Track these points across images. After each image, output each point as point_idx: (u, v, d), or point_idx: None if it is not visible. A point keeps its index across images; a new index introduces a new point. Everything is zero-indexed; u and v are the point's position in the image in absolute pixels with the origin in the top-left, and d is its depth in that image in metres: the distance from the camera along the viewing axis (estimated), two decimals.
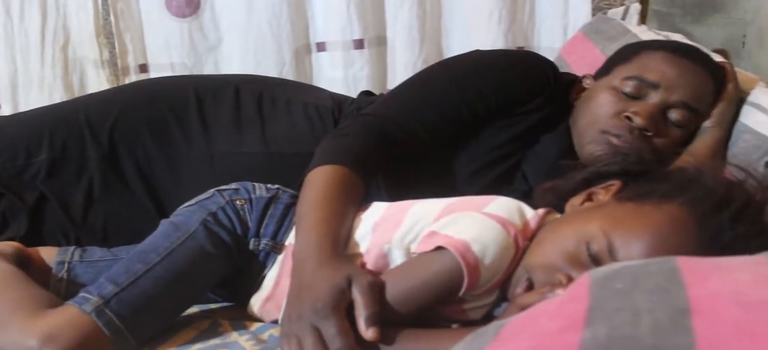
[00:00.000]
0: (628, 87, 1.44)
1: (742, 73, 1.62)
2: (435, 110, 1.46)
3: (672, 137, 1.43)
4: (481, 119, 1.49)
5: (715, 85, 1.47)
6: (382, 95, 1.73)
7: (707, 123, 1.46)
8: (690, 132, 1.46)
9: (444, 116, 1.46)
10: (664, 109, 1.42)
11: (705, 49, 1.66)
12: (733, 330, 0.61)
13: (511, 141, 1.50)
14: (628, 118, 1.41)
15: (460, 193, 1.32)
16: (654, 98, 1.42)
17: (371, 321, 1.02)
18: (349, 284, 1.06)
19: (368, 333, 1.02)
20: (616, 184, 1.13)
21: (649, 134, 1.40)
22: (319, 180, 1.26)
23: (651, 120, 1.40)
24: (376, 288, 1.06)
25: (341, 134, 1.40)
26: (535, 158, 1.50)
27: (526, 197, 1.34)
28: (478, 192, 1.41)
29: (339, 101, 1.68)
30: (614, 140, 1.40)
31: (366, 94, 1.74)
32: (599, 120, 1.44)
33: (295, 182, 1.31)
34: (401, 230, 1.16)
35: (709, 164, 1.18)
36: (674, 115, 1.42)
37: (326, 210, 1.21)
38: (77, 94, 2.52)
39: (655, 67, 1.44)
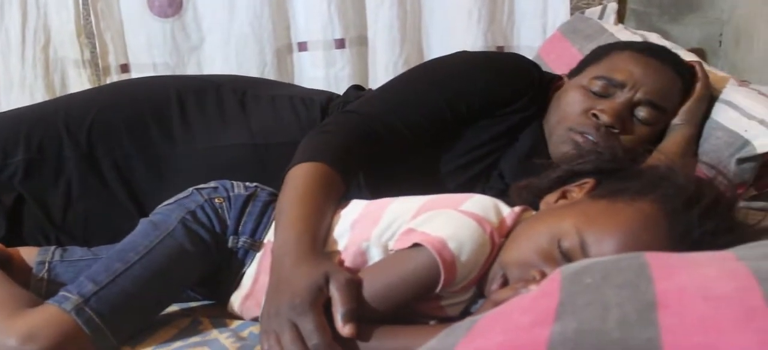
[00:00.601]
0: (596, 86, 1.47)
1: (713, 73, 1.65)
2: (418, 110, 1.47)
3: (639, 134, 1.45)
4: (464, 120, 1.50)
5: (682, 83, 1.50)
6: (370, 90, 1.74)
7: (677, 120, 1.49)
8: (658, 130, 1.49)
9: (427, 116, 1.47)
10: (630, 107, 1.45)
11: (675, 49, 1.70)
12: (698, 323, 0.62)
13: (492, 140, 1.51)
14: (595, 116, 1.44)
15: (438, 190, 1.33)
16: (620, 96, 1.45)
17: (348, 318, 1.03)
18: (327, 281, 1.06)
19: (345, 329, 1.03)
20: (589, 182, 1.15)
21: (616, 131, 1.43)
22: (300, 177, 1.27)
23: (617, 118, 1.43)
24: (354, 285, 1.07)
25: (323, 131, 1.40)
26: (512, 156, 1.51)
27: (503, 194, 1.36)
28: (456, 189, 1.43)
29: (327, 95, 1.68)
30: (580, 138, 1.43)
31: (356, 88, 1.75)
32: (568, 118, 1.47)
33: (281, 172, 1.31)
34: (379, 228, 1.17)
35: (680, 161, 1.20)
36: (641, 113, 1.45)
37: (306, 207, 1.21)
38: (59, 94, 2.52)
39: (622, 67, 1.48)
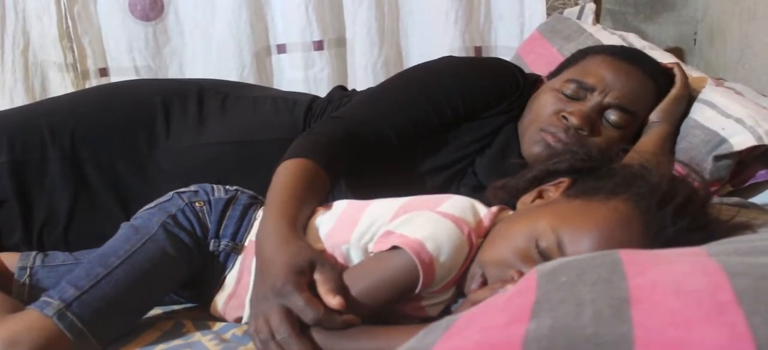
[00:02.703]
0: (568, 89, 1.50)
1: (691, 74, 1.66)
2: (406, 116, 1.49)
3: (608, 137, 1.47)
4: (449, 124, 1.52)
5: (656, 87, 1.52)
6: (355, 90, 1.76)
7: (653, 118, 1.51)
8: (630, 133, 1.51)
9: (414, 121, 1.50)
10: (600, 110, 1.48)
11: (653, 50, 1.71)
12: (670, 318, 0.64)
13: (474, 142, 1.53)
14: (565, 117, 1.46)
15: (417, 188, 1.36)
16: (591, 100, 1.48)
17: (336, 291, 1.05)
18: (311, 266, 1.09)
19: (334, 300, 1.04)
20: (565, 181, 1.16)
21: (584, 133, 1.45)
22: (285, 172, 1.29)
23: (585, 120, 1.45)
24: (337, 270, 1.09)
25: (312, 133, 1.43)
26: (486, 155, 1.54)
27: (475, 191, 1.41)
28: (434, 187, 1.47)
29: (311, 97, 1.71)
30: (550, 138, 1.45)
31: (340, 88, 1.77)
32: (539, 119, 1.49)
33: (263, 168, 1.33)
34: (358, 231, 1.18)
35: (655, 160, 1.22)
36: (611, 116, 1.48)
37: (287, 197, 1.24)
38: (39, 98, 2.51)
39: (594, 71, 1.50)
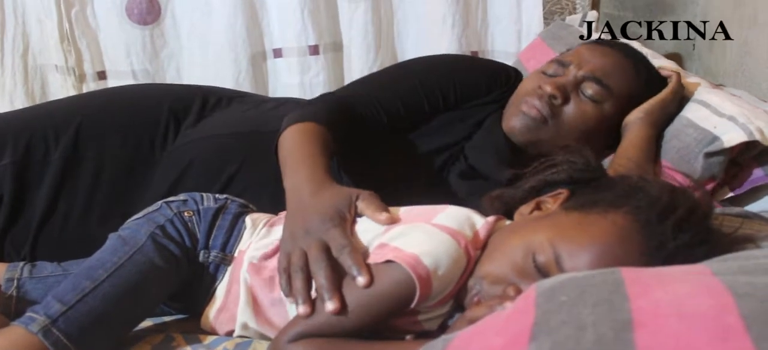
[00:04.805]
0: (550, 69, 1.57)
1: (688, 82, 1.67)
2: (397, 97, 1.56)
3: (583, 109, 1.53)
4: (439, 109, 1.58)
5: (634, 70, 1.57)
6: None
7: (633, 117, 1.54)
8: (607, 112, 1.53)
9: (404, 101, 1.55)
10: (576, 83, 1.53)
11: (654, 57, 1.73)
12: (673, 342, 0.62)
13: (465, 128, 1.58)
14: (540, 88, 1.52)
15: (412, 174, 1.42)
16: (568, 74, 1.54)
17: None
18: (353, 200, 1.15)
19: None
20: (563, 193, 1.13)
21: (557, 101, 1.51)
22: (294, 133, 1.34)
23: (559, 89, 1.51)
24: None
25: (306, 105, 1.49)
26: (476, 139, 1.58)
27: (463, 176, 1.49)
28: (428, 173, 1.52)
29: None
30: (524, 107, 1.52)
31: None
32: (520, 95, 1.56)
33: (269, 155, 1.36)
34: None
35: (652, 170, 1.20)
36: (588, 90, 1.53)
37: (308, 150, 1.29)
38: (39, 101, 2.51)
39: (575, 52, 1.59)
